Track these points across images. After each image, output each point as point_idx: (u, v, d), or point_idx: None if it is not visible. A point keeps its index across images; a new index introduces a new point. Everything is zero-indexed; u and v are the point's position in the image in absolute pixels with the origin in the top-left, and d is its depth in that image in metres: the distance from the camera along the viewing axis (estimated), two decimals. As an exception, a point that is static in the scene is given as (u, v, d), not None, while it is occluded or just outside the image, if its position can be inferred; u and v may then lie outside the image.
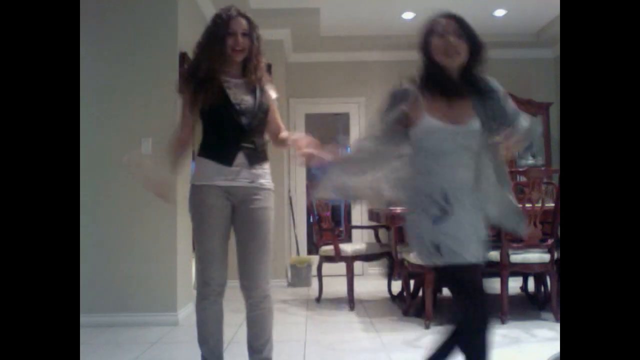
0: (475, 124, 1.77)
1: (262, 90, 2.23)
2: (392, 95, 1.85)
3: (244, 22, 2.15)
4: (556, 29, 5.41)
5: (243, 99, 2.18)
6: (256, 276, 2.15)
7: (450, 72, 1.79)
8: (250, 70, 2.19)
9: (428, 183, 1.77)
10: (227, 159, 2.14)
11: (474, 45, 1.79)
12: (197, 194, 2.18)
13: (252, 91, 2.20)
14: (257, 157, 2.20)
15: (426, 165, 1.79)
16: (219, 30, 2.13)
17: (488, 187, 1.80)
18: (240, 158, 2.15)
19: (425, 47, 1.82)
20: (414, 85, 1.82)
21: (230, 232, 2.22)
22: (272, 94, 2.29)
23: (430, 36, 1.81)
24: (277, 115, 2.33)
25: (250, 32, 2.16)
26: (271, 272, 2.25)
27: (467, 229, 1.73)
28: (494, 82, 1.85)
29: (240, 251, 2.18)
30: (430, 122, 1.76)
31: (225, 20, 2.13)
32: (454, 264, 1.72)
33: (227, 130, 2.16)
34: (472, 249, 1.73)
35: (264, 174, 2.22)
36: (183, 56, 3.89)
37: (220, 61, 2.15)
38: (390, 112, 1.82)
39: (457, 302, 1.92)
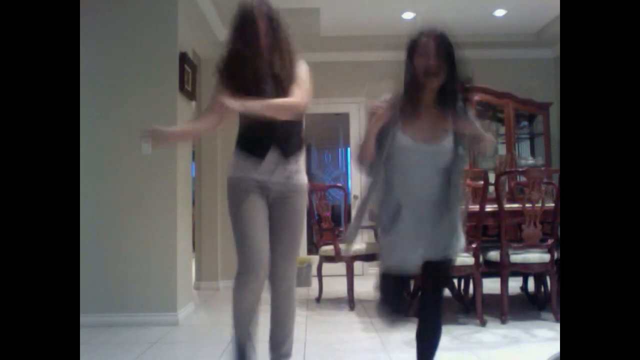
0: (448, 142, 1.83)
1: (290, 78, 2.16)
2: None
3: (264, 7, 2.16)
4: (556, 29, 5.41)
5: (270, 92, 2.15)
6: (284, 269, 2.19)
7: (428, 92, 1.85)
8: (276, 62, 2.15)
9: (387, 195, 1.88)
10: (260, 153, 2.15)
11: (453, 65, 1.83)
12: (234, 186, 2.19)
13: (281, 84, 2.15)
14: (291, 149, 2.19)
15: (390, 177, 1.88)
16: (243, 23, 2.14)
17: (448, 203, 1.88)
18: (274, 152, 2.15)
19: (409, 64, 1.89)
20: (394, 98, 1.89)
21: (267, 222, 2.21)
22: (301, 68, 2.21)
23: (413, 54, 1.87)
24: (295, 86, 2.16)
25: (272, 17, 2.16)
26: (295, 274, 2.29)
27: (410, 243, 1.85)
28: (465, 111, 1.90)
29: (271, 244, 2.20)
30: (401, 139, 1.83)
31: (247, 10, 2.14)
32: (384, 271, 1.93)
33: (260, 126, 2.15)
34: (407, 262, 1.86)
35: (299, 170, 2.21)
36: (183, 56, 3.89)
37: (251, 55, 2.12)
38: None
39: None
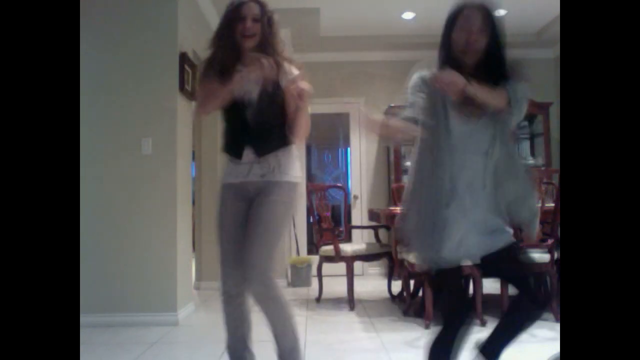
0: (485, 118, 1.74)
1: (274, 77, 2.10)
2: (416, 82, 1.80)
3: (255, 7, 2.09)
4: (556, 29, 5.41)
5: (249, 90, 2.10)
6: (251, 267, 2.06)
7: (465, 68, 1.73)
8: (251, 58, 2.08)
9: (435, 180, 1.73)
10: (236, 152, 2.15)
11: (495, 42, 1.73)
12: (219, 195, 2.20)
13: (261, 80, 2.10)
14: (267, 146, 2.12)
15: (436, 160, 1.74)
16: (229, 17, 2.10)
17: (502, 180, 1.77)
18: (249, 152, 2.12)
19: (447, 39, 1.77)
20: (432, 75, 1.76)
21: (245, 226, 2.16)
22: (291, 72, 2.10)
23: (452, 27, 1.75)
24: (298, 108, 2.08)
25: (262, 17, 2.09)
26: (272, 267, 2.10)
27: (459, 232, 1.73)
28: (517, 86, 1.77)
29: (247, 236, 2.12)
30: (449, 116, 1.74)
31: (236, 6, 2.09)
32: (438, 269, 1.78)
33: (234, 123, 2.16)
34: (458, 253, 1.75)
35: (279, 166, 2.11)
36: (183, 56, 3.89)
37: (233, 50, 2.10)
38: (414, 99, 1.78)
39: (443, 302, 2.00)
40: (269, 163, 2.12)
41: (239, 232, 2.13)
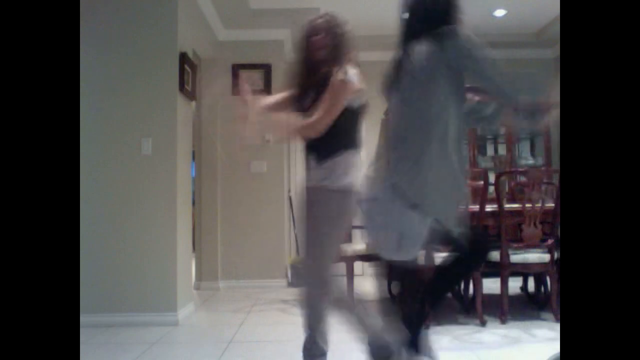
0: None
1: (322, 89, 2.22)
2: None
3: (323, 22, 2.29)
4: (556, 29, 5.42)
5: (308, 97, 2.25)
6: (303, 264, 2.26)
7: None
8: (323, 69, 2.24)
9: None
10: (306, 161, 2.31)
11: None
12: None
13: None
14: (325, 153, 2.21)
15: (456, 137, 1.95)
16: (302, 34, 2.31)
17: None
18: (312, 160, 2.26)
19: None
20: None
21: None
22: (338, 75, 2.21)
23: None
24: (325, 97, 2.18)
25: (331, 30, 2.27)
26: (318, 273, 2.27)
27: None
28: None
29: None
30: None
31: (307, 23, 2.32)
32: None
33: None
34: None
35: (330, 172, 2.19)
36: (183, 56, 3.89)
37: (306, 61, 2.29)
38: None
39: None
40: (323, 170, 2.22)
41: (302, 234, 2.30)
